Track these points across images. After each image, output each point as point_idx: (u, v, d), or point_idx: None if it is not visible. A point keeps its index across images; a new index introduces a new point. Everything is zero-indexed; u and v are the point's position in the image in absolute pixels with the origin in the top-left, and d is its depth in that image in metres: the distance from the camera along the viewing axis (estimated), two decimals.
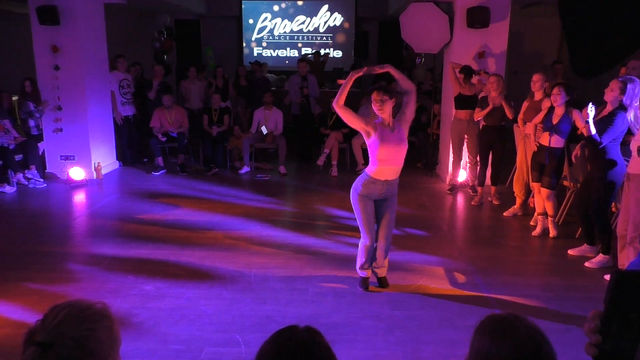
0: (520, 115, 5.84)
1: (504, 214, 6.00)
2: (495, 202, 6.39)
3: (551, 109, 5.07)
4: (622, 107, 4.24)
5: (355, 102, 10.13)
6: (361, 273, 4.08)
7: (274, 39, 13.18)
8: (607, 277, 3.42)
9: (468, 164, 6.87)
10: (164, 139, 8.00)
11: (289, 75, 9.95)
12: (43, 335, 1.15)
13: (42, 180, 7.10)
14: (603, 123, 4.26)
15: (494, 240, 5.29)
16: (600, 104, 4.45)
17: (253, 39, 13.18)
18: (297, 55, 12.80)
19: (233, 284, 4.13)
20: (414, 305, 3.81)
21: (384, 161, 3.74)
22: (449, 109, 7.20)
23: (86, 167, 7.35)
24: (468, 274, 4.39)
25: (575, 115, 4.87)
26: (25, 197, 6.66)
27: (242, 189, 7.12)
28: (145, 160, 8.62)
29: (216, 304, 3.80)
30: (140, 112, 8.63)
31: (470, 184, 6.85)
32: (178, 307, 3.75)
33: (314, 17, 13.00)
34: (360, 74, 3.74)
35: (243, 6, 12.89)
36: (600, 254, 4.57)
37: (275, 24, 13.08)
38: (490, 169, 6.37)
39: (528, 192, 5.97)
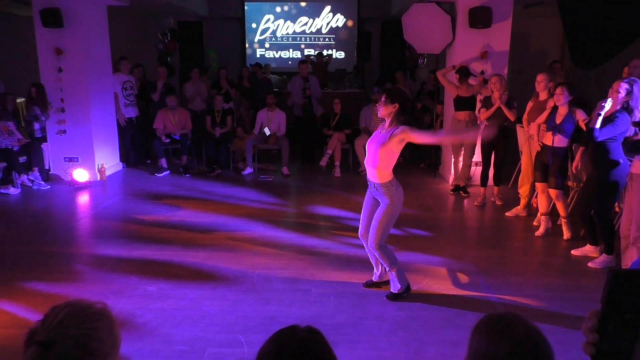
0: (525, 116, 5.80)
1: (507, 214, 5.99)
2: (498, 203, 6.38)
3: (554, 109, 5.06)
4: (627, 109, 4.22)
5: (355, 102, 10.16)
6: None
7: (276, 40, 13.19)
8: None
9: (461, 164, 6.85)
10: (167, 141, 8.03)
11: (292, 76, 9.96)
12: (44, 335, 1.16)
13: (44, 182, 7.13)
14: (604, 121, 4.25)
15: (497, 240, 5.29)
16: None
17: (256, 40, 13.20)
18: (300, 56, 12.82)
19: (236, 285, 4.14)
20: (417, 306, 3.81)
21: (366, 157, 3.81)
22: (451, 109, 7.19)
23: (90, 169, 7.38)
24: (471, 275, 4.39)
25: (579, 114, 4.86)
26: (29, 199, 6.69)
27: (245, 190, 7.13)
28: (149, 161, 8.65)
29: (219, 304, 3.81)
30: (143, 114, 8.66)
31: (462, 185, 6.84)
32: (181, 307, 3.76)
33: (317, 18, 13.02)
34: None
35: (246, 8, 12.92)
36: (604, 254, 4.56)
37: (278, 25, 13.09)
38: (492, 169, 6.37)
39: (533, 193, 5.96)
